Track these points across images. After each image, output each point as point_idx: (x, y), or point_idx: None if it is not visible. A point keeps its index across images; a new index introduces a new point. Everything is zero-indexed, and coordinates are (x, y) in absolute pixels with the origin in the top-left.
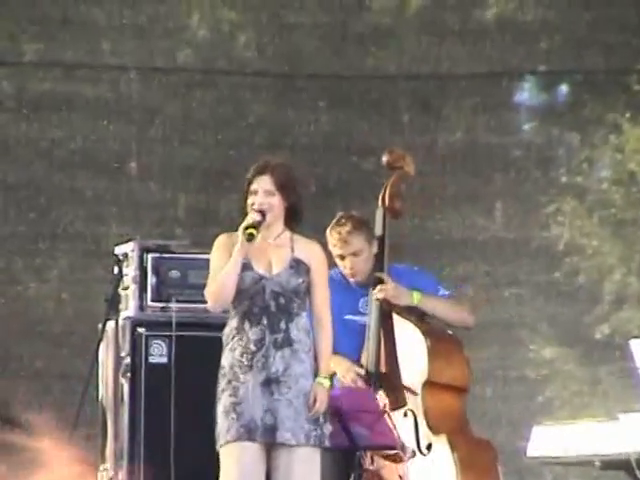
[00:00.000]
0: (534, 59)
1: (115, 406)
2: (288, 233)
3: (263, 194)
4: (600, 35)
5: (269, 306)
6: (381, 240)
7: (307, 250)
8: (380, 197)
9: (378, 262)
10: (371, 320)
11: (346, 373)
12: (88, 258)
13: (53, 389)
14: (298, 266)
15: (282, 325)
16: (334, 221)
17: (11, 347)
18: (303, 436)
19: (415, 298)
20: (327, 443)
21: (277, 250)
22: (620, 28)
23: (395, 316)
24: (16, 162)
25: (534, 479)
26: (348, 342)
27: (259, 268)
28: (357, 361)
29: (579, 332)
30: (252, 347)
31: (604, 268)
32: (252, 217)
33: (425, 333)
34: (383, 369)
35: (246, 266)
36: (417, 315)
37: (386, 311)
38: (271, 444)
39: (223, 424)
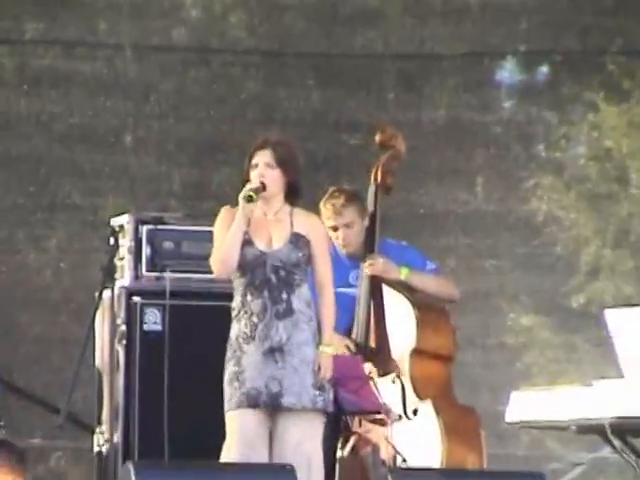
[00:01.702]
0: (514, 40)
1: (111, 371)
2: (288, 208)
3: (264, 167)
4: (577, 17)
5: (270, 279)
6: (372, 215)
7: (307, 224)
8: (372, 174)
9: (369, 236)
10: (361, 292)
11: (338, 347)
12: (85, 229)
13: (52, 354)
14: (298, 240)
15: (284, 296)
16: (327, 194)
17: (12, 314)
18: (309, 401)
19: (403, 273)
20: (331, 408)
21: (277, 225)
22: (596, 11)
23: (385, 287)
24: (17, 136)
25: (512, 442)
26: (340, 314)
27: (260, 244)
28: (348, 333)
29: (556, 301)
30: (255, 319)
31: (580, 240)
32: (252, 184)
33: (414, 304)
34: (373, 337)
35: (248, 242)
36: (405, 287)
37: (376, 284)
38: (276, 410)
39: (227, 392)
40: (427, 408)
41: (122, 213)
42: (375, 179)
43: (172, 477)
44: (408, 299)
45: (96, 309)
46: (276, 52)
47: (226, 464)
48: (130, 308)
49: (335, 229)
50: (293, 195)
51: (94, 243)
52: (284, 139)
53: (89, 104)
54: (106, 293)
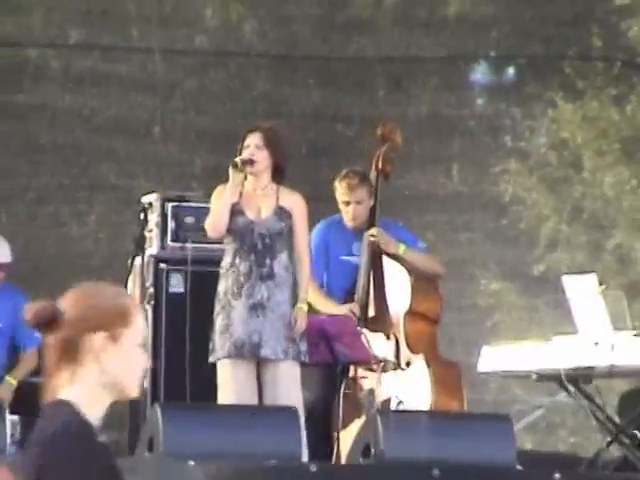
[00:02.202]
0: (485, 46)
1: None
2: (274, 185)
3: (254, 147)
4: (539, 28)
5: (256, 245)
6: (376, 197)
7: (290, 199)
8: (374, 162)
9: (371, 214)
10: (363, 260)
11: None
12: (120, 206)
13: None
14: (282, 213)
15: (267, 261)
16: (342, 174)
17: (58, 278)
18: (282, 352)
19: (401, 249)
20: (303, 358)
21: (265, 199)
22: (556, 22)
23: (385, 258)
24: (62, 127)
25: (483, 389)
26: (342, 280)
27: (250, 214)
28: (347, 295)
29: (520, 269)
30: (242, 278)
31: (541, 217)
32: (241, 157)
33: (411, 273)
34: (373, 300)
35: (239, 212)
36: (400, 260)
37: (376, 254)
38: (258, 360)
39: (218, 342)
40: (419, 362)
41: (151, 192)
42: (376, 167)
43: (192, 416)
44: (405, 268)
45: (129, 274)
46: (283, 56)
47: (238, 406)
48: (157, 273)
49: (347, 204)
50: (279, 174)
51: (127, 218)
52: (274, 125)
53: (123, 100)
54: (137, 260)
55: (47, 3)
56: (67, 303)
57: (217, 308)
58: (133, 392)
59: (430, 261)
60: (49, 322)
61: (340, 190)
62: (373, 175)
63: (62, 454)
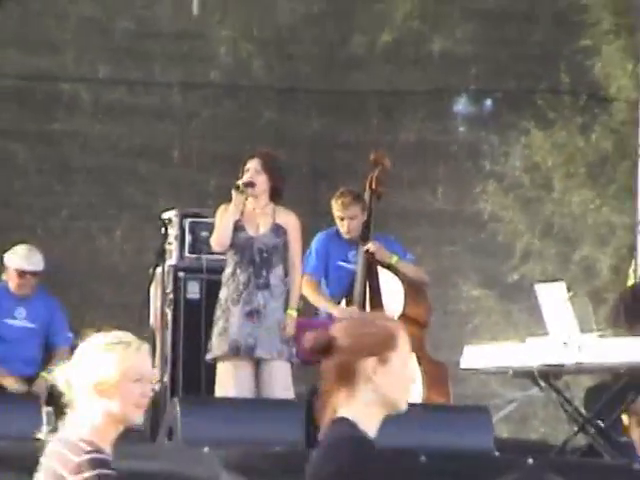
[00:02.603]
0: (466, 81)
1: (162, 328)
2: (272, 205)
3: (253, 171)
4: (514, 65)
5: (255, 258)
6: (369, 214)
7: (285, 218)
8: (367, 183)
9: (365, 229)
10: (358, 269)
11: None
12: (143, 221)
13: (118, 316)
14: (278, 229)
15: (264, 273)
16: (338, 193)
17: (88, 286)
18: (276, 353)
19: (394, 259)
20: (294, 358)
21: (263, 217)
22: (528, 60)
23: (380, 267)
24: (92, 152)
25: (465, 384)
26: (338, 283)
27: (250, 230)
28: (342, 298)
29: (497, 278)
30: (240, 287)
31: (516, 232)
32: (242, 180)
33: (403, 281)
34: (370, 305)
35: (241, 228)
36: (392, 270)
37: (371, 264)
38: (254, 360)
39: (215, 342)
40: (411, 359)
41: (170, 209)
42: (370, 187)
43: (207, 408)
44: (398, 277)
45: (151, 282)
46: (287, 89)
47: (247, 399)
48: (176, 281)
49: (342, 219)
50: (276, 195)
51: (149, 232)
52: (271, 152)
53: (146, 128)
54: (158, 270)
55: (79, 42)
56: (340, 332)
57: (218, 312)
58: (404, 406)
59: (418, 271)
60: (325, 349)
61: (336, 207)
62: (367, 195)
63: (345, 466)
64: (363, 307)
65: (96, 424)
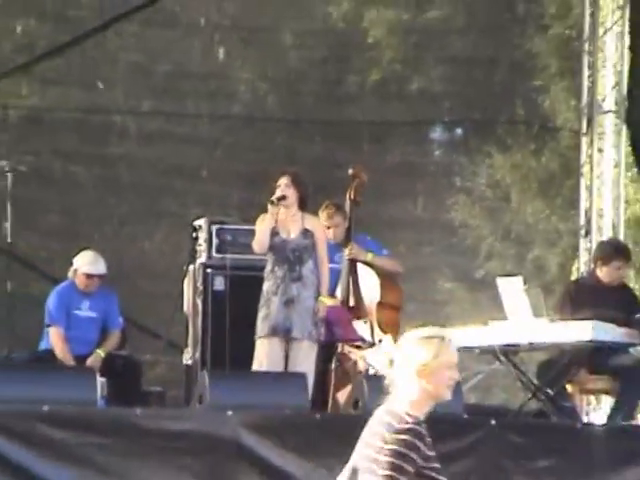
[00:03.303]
0: (441, 113)
1: (193, 315)
2: (300, 213)
3: (284, 186)
4: (480, 100)
5: (289, 257)
6: (350, 220)
7: (311, 223)
8: (347, 194)
9: (347, 232)
10: (343, 269)
11: (332, 300)
12: (178, 228)
13: (159, 305)
14: (306, 233)
15: (297, 268)
16: (324, 205)
17: (133, 281)
18: (307, 334)
19: (369, 257)
20: (322, 338)
21: (293, 223)
22: (491, 96)
23: (359, 264)
24: (137, 171)
25: None
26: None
27: (283, 234)
28: (332, 292)
29: (467, 274)
30: (278, 280)
31: (481, 237)
32: (276, 195)
33: (378, 274)
34: (352, 296)
35: (276, 233)
36: (370, 265)
37: (352, 263)
38: (288, 340)
39: (260, 325)
40: (390, 340)
41: (200, 218)
42: (349, 197)
43: (230, 379)
44: (374, 271)
45: (184, 277)
46: (295, 120)
47: (263, 372)
48: (205, 276)
49: (328, 227)
50: (303, 205)
51: (183, 237)
52: (298, 171)
53: (180, 151)
54: (191, 267)
55: (126, 82)
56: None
57: (262, 301)
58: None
59: (392, 263)
60: None
61: (322, 217)
62: (347, 204)
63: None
64: (347, 298)
65: (414, 399)
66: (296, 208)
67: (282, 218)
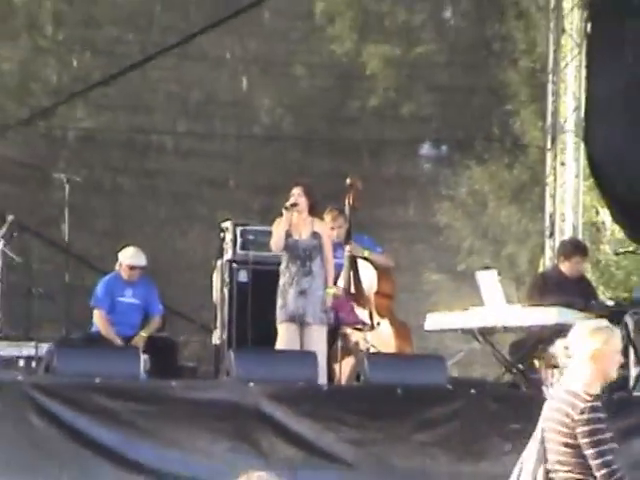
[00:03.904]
0: (429, 133)
1: (221, 303)
2: (310, 217)
3: (297, 195)
4: (461, 122)
5: (300, 255)
6: (349, 222)
7: (319, 227)
8: (346, 200)
9: (347, 233)
10: (344, 262)
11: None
12: (208, 229)
13: (192, 294)
14: (315, 235)
15: (308, 264)
16: (328, 210)
17: (171, 276)
18: (318, 319)
19: (365, 253)
20: (331, 322)
21: (305, 226)
22: (470, 119)
23: (359, 260)
24: (174, 182)
25: (428, 341)
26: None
27: (296, 236)
28: (336, 282)
29: (451, 268)
30: (293, 275)
31: (463, 236)
32: (289, 202)
33: (375, 267)
34: (353, 287)
35: (289, 235)
36: (367, 260)
37: (352, 259)
38: (302, 324)
39: (278, 313)
40: (385, 323)
41: (227, 220)
42: (348, 203)
43: (252, 356)
44: (372, 265)
45: (213, 270)
46: (307, 139)
47: (280, 350)
48: (231, 270)
49: (332, 228)
50: (313, 211)
51: (212, 236)
52: (308, 181)
53: (211, 165)
54: (219, 262)
55: (165, 107)
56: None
57: (279, 293)
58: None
59: (386, 259)
60: None
61: (327, 219)
62: (347, 209)
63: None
64: (349, 288)
65: (587, 381)
66: (307, 214)
67: (295, 222)
